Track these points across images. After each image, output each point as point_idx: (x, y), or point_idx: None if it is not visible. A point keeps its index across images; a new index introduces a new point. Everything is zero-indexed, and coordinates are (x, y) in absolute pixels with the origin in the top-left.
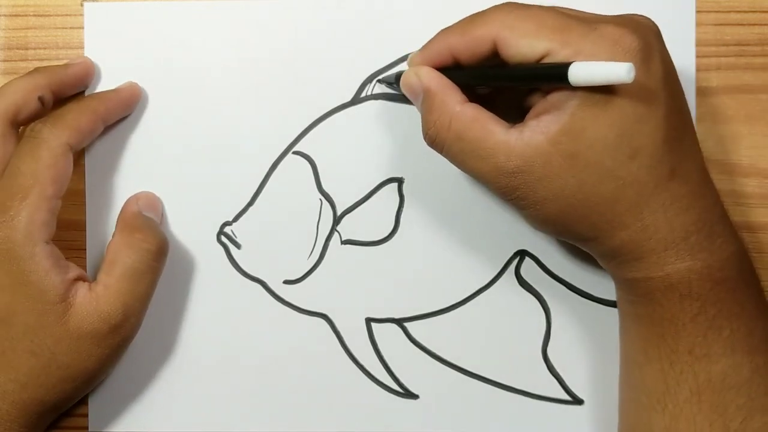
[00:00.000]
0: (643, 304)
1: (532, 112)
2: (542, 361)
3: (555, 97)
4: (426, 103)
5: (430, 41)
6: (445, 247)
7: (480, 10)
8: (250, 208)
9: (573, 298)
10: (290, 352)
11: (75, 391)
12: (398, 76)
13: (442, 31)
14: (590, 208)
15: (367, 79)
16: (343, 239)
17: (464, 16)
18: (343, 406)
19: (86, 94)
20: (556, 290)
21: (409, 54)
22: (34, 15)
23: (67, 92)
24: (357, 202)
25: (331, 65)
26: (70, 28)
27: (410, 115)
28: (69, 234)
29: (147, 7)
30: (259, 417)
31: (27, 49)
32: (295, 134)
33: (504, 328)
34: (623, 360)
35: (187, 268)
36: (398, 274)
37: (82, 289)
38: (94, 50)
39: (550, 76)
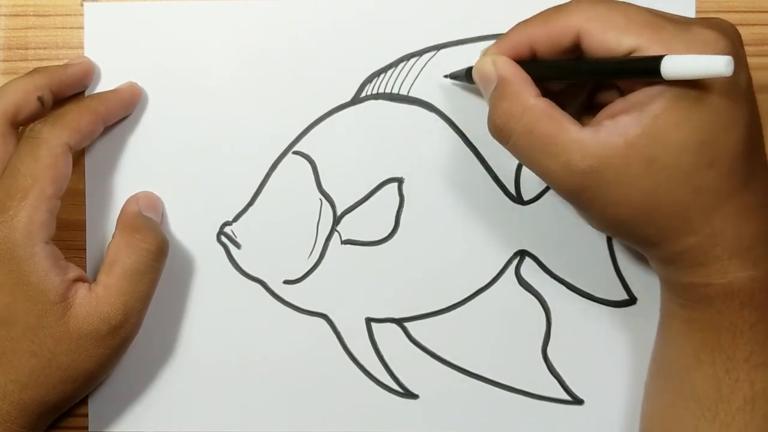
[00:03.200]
0: (698, 309)
1: (605, 112)
2: (542, 361)
3: (636, 97)
4: (498, 92)
5: (508, 32)
6: (445, 247)
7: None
8: (250, 208)
9: (573, 298)
10: (290, 352)
11: (75, 392)
12: (469, 70)
13: (522, 22)
14: (660, 212)
15: (367, 79)
16: (343, 239)
17: (547, 8)
18: (343, 406)
19: (86, 94)
20: (556, 290)
21: (408, 54)
22: (34, 15)
23: (66, 92)
24: (357, 202)
25: (331, 65)
26: (70, 28)
27: (410, 115)
28: (69, 234)
29: (147, 7)
30: (260, 417)
31: (27, 49)
32: (295, 134)
33: (504, 328)
34: (664, 363)
35: (187, 268)
36: (398, 274)
37: (82, 289)
38: (94, 50)
39: (640, 70)
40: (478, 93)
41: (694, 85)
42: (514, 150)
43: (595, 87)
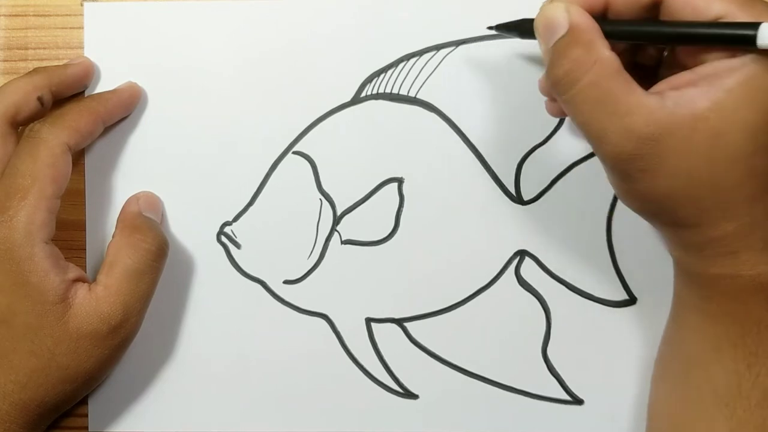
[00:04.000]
0: (723, 302)
1: (666, 83)
2: (542, 361)
3: (706, 70)
4: (568, 38)
5: None
6: (445, 247)
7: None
8: (250, 208)
9: (573, 298)
10: (290, 352)
11: (75, 392)
12: (524, 21)
13: None
14: (709, 191)
15: (367, 79)
16: (343, 239)
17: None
18: (343, 406)
19: (86, 94)
20: (556, 290)
21: (408, 54)
22: (34, 15)
23: (66, 92)
24: (357, 202)
25: (331, 65)
26: (70, 28)
27: (410, 115)
28: (69, 234)
29: (147, 7)
30: (259, 417)
31: (27, 49)
32: (295, 134)
33: (504, 328)
34: (677, 358)
35: (187, 268)
36: (398, 274)
37: (81, 289)
38: (94, 50)
39: (732, 38)
40: (478, 92)
41: None
42: (572, 102)
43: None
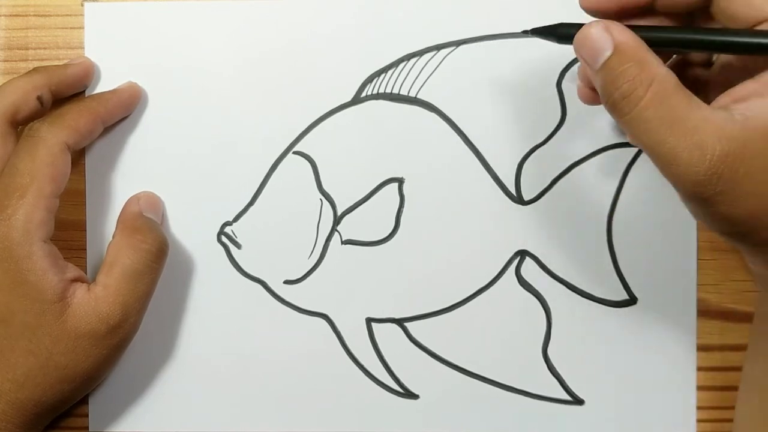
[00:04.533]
0: None
1: (730, 95)
2: (542, 361)
3: None
4: (617, 58)
5: None
6: (445, 247)
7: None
8: (251, 208)
9: (573, 298)
10: (290, 352)
11: (73, 392)
12: (561, 26)
13: None
14: None
15: (367, 79)
16: (343, 239)
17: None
18: (343, 406)
19: (86, 94)
20: (556, 290)
21: (408, 54)
22: (34, 15)
23: (66, 92)
24: (357, 202)
25: (331, 65)
26: (70, 28)
27: (410, 115)
28: (69, 234)
29: (147, 7)
30: (259, 417)
31: (27, 49)
32: (295, 134)
33: (504, 328)
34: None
35: (187, 268)
36: (398, 274)
37: (80, 289)
38: (94, 50)
39: None
40: (478, 92)
41: None
42: (635, 123)
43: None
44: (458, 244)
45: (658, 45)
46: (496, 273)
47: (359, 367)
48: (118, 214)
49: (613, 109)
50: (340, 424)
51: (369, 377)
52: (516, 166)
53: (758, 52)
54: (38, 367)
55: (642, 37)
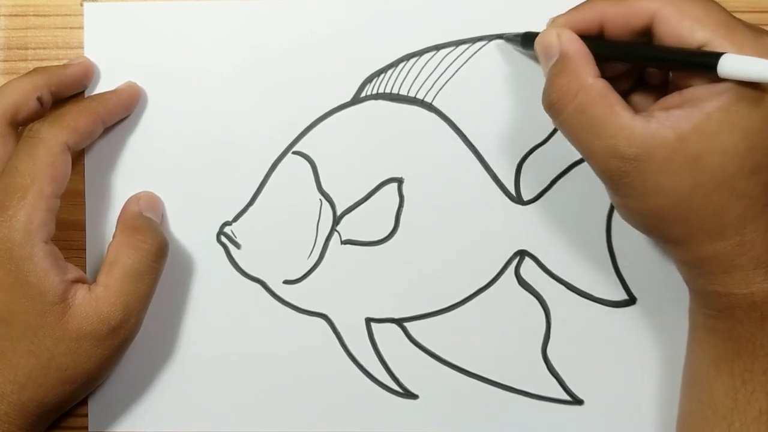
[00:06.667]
0: (720, 318)
1: (660, 104)
2: (542, 361)
3: (692, 93)
4: (558, 67)
5: (580, 5)
6: (445, 247)
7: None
8: (250, 208)
9: (573, 298)
10: (290, 352)
11: (74, 393)
12: (527, 35)
13: None
14: (695, 212)
15: (367, 79)
16: (343, 239)
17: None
18: (343, 406)
19: (86, 94)
20: (556, 290)
21: (408, 54)
22: (34, 15)
23: (66, 92)
24: (357, 202)
25: (331, 65)
26: (70, 28)
27: (410, 115)
28: (69, 234)
29: (147, 7)
30: (259, 417)
31: (27, 49)
32: (295, 134)
33: (504, 328)
34: (689, 372)
35: (187, 268)
36: (398, 274)
37: (81, 290)
38: (93, 50)
39: (699, 63)
40: (478, 92)
41: (753, 89)
42: (563, 126)
43: (647, 74)
44: (457, 244)
45: (606, 56)
46: (495, 273)
47: (359, 367)
48: (118, 214)
49: (548, 111)
50: (339, 424)
51: (368, 377)
52: (515, 166)
53: (685, 68)
54: (40, 368)
55: (592, 47)
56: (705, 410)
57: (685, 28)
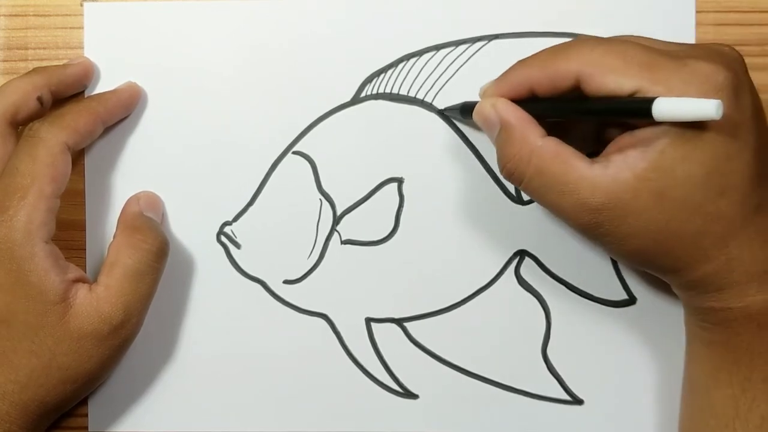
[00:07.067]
0: (717, 331)
1: (614, 146)
2: (542, 361)
3: (643, 133)
4: (503, 136)
5: (506, 73)
6: (445, 247)
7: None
8: (250, 208)
9: (573, 298)
10: (290, 352)
11: (75, 393)
12: (464, 106)
13: (520, 62)
14: (675, 242)
15: (366, 79)
16: (343, 239)
17: (544, 49)
18: (343, 406)
19: (86, 94)
20: (556, 290)
21: (408, 54)
22: (34, 15)
23: (66, 92)
24: (357, 202)
25: (331, 65)
26: (70, 28)
27: (410, 115)
28: (69, 234)
29: (147, 7)
30: (259, 417)
31: (27, 49)
32: (295, 134)
33: (504, 328)
34: (688, 382)
35: (187, 268)
36: (398, 274)
37: (82, 290)
38: (93, 50)
39: (634, 111)
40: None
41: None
42: (527, 191)
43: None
44: (457, 244)
45: (544, 116)
46: (495, 273)
47: (359, 367)
48: (118, 214)
49: (508, 180)
50: (339, 424)
51: (368, 377)
52: None
53: (624, 116)
54: (41, 368)
55: (529, 110)
56: (707, 419)
57: (611, 82)
